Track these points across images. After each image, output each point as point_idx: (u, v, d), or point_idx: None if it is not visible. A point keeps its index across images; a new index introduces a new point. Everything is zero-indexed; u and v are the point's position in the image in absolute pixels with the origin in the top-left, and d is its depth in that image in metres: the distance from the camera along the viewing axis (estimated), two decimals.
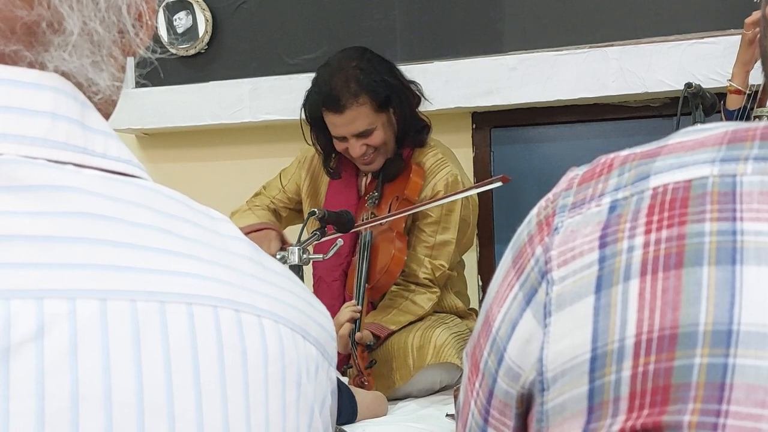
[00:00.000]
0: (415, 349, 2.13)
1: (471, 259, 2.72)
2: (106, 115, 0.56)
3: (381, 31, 2.73)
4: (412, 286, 2.26)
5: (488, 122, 2.77)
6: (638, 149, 0.61)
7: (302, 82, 2.38)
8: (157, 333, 0.46)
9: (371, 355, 2.10)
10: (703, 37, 2.41)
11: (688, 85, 2.01)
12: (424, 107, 2.34)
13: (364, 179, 2.38)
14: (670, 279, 0.53)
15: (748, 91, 2.03)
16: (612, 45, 2.50)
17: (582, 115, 2.66)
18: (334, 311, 2.14)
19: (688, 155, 0.57)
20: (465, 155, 2.73)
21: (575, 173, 0.63)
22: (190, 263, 0.48)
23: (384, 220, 2.18)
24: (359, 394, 1.96)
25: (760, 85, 2.02)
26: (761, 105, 2.00)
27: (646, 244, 0.55)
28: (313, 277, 2.40)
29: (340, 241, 1.98)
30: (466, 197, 2.32)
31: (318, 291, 2.32)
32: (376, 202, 2.29)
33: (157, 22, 0.61)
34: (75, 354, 0.44)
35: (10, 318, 0.43)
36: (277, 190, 2.48)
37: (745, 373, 0.50)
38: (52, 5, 0.50)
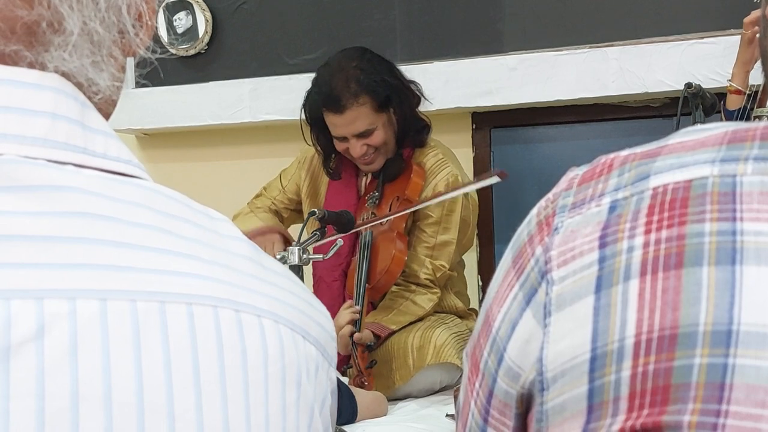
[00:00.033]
0: (415, 349, 2.13)
1: (471, 259, 2.72)
2: (107, 115, 0.56)
3: (381, 31, 2.73)
4: (413, 287, 2.26)
5: (488, 122, 2.77)
6: (638, 149, 0.61)
7: (302, 83, 2.38)
8: (157, 333, 0.46)
9: (371, 356, 2.10)
10: (703, 37, 2.41)
11: (688, 85, 2.01)
12: (424, 107, 2.34)
13: (364, 179, 2.38)
14: (670, 279, 0.53)
15: (748, 91, 2.03)
16: (612, 45, 2.50)
17: (582, 115, 2.66)
18: (334, 311, 2.14)
19: (688, 155, 0.57)
20: (465, 155, 2.73)
21: (575, 173, 0.63)
22: (190, 263, 0.48)
23: (384, 220, 2.18)
24: (359, 394, 1.96)
25: (760, 85, 2.02)
26: (761, 105, 2.00)
27: (646, 244, 0.55)
28: (313, 277, 2.40)
29: (340, 241, 1.98)
30: (466, 198, 2.32)
31: (318, 291, 2.32)
32: (377, 202, 2.29)
33: (157, 23, 0.61)
34: (75, 354, 0.44)
35: (11, 318, 0.43)
36: (277, 191, 2.48)
37: (745, 373, 0.50)
38: (52, 5, 0.50)
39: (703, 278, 0.52)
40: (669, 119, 2.51)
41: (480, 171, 2.76)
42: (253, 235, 2.20)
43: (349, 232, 2.06)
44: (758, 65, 1.92)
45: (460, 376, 2.07)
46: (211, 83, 2.92)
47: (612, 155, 0.61)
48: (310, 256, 1.94)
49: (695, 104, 2.01)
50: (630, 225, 0.56)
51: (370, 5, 2.75)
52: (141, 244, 0.47)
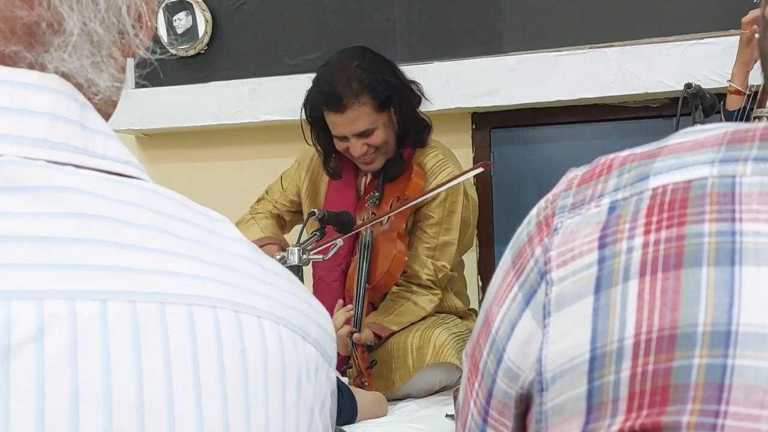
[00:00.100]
0: (414, 349, 2.13)
1: (471, 259, 2.72)
2: (107, 116, 0.56)
3: (381, 31, 2.73)
4: (414, 287, 2.26)
5: (488, 123, 2.77)
6: (638, 150, 0.61)
7: (302, 83, 2.38)
8: (157, 334, 0.46)
9: (371, 356, 2.10)
10: (703, 38, 2.41)
11: (688, 86, 2.01)
12: (424, 107, 2.34)
13: (364, 179, 2.38)
14: (669, 280, 0.53)
15: (747, 92, 2.03)
16: (612, 45, 2.50)
17: (582, 116, 2.66)
18: (333, 312, 2.14)
19: (688, 156, 0.57)
20: (465, 155, 2.73)
21: (575, 174, 0.63)
22: (189, 264, 0.49)
23: (384, 218, 2.18)
24: (359, 394, 1.96)
25: (759, 85, 2.02)
26: (761, 105, 2.00)
27: (646, 245, 0.55)
28: (313, 277, 2.40)
29: (339, 241, 1.98)
30: (467, 198, 2.32)
31: (318, 291, 2.32)
32: (377, 202, 2.28)
33: (156, 23, 0.61)
34: (75, 354, 0.44)
35: (11, 318, 0.43)
36: (278, 194, 2.49)
37: (744, 373, 0.50)
38: (52, 6, 0.50)
39: (702, 279, 0.52)
40: (669, 119, 2.51)
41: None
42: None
43: (350, 233, 2.06)
44: (758, 65, 1.92)
45: (460, 377, 2.06)
46: (211, 83, 2.92)
47: (611, 156, 0.61)
48: (310, 257, 1.94)
49: (695, 105, 2.01)
50: (629, 225, 0.56)
51: (370, 5, 2.75)
52: (140, 245, 0.47)
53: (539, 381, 0.58)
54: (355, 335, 2.06)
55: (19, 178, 0.46)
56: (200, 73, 2.96)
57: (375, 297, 2.26)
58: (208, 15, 2.92)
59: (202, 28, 2.93)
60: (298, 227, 2.09)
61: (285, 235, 2.46)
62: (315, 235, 2.01)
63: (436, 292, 2.27)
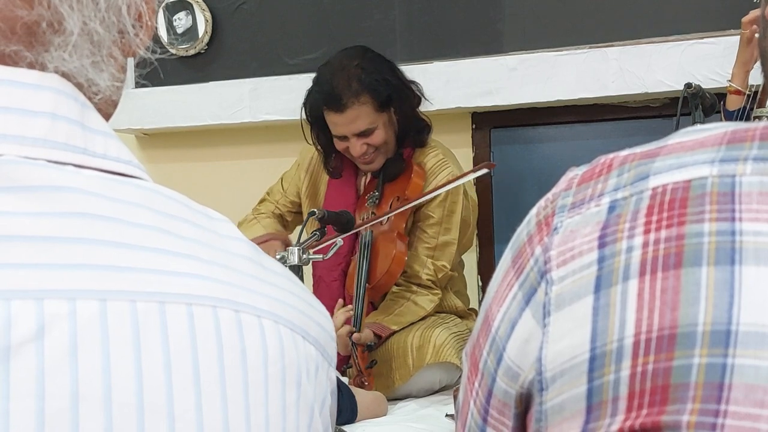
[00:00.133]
0: (414, 348, 2.13)
1: (471, 259, 2.72)
2: (107, 116, 0.56)
3: (381, 31, 2.73)
4: (414, 287, 2.26)
5: (488, 122, 2.77)
6: (638, 149, 0.61)
7: (302, 82, 2.38)
8: (157, 333, 0.46)
9: (371, 355, 2.10)
10: (703, 38, 2.41)
11: (688, 86, 2.01)
12: (424, 107, 2.35)
13: (364, 179, 2.38)
14: (669, 279, 0.53)
15: (747, 92, 2.03)
16: (612, 45, 2.50)
17: (582, 116, 2.66)
18: (333, 311, 2.14)
19: (688, 155, 0.57)
20: (465, 155, 2.73)
21: (575, 173, 0.63)
22: (189, 263, 0.49)
23: (384, 218, 2.18)
24: (359, 394, 1.96)
25: (759, 85, 2.02)
26: (761, 105, 2.00)
27: (645, 244, 0.55)
28: (313, 277, 2.40)
29: (339, 241, 1.98)
30: (466, 198, 2.32)
31: (318, 291, 2.33)
32: (377, 201, 2.29)
33: (156, 23, 0.61)
34: (75, 354, 0.44)
35: (11, 318, 0.43)
36: (279, 195, 2.49)
37: (744, 373, 0.50)
38: (52, 5, 0.50)
39: (702, 278, 0.52)
40: (669, 119, 2.51)
41: None
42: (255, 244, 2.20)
43: (349, 233, 2.06)
44: (758, 65, 1.92)
45: (460, 376, 2.07)
46: (211, 83, 2.92)
47: (611, 155, 0.61)
48: (310, 256, 1.94)
49: (695, 104, 2.01)
50: (629, 225, 0.56)
51: (370, 5, 2.75)
52: (140, 245, 0.47)
53: (539, 380, 0.58)
54: (355, 335, 2.06)
55: (19, 177, 0.46)
56: (200, 72, 2.96)
57: (375, 297, 2.26)
58: (208, 15, 2.92)
59: (202, 27, 2.93)
60: (299, 227, 2.10)
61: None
62: (315, 234, 2.01)
63: (436, 291, 2.27)
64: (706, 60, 2.38)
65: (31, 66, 0.50)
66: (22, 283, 0.43)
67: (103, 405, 0.44)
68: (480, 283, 2.77)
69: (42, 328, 0.43)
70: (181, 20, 2.94)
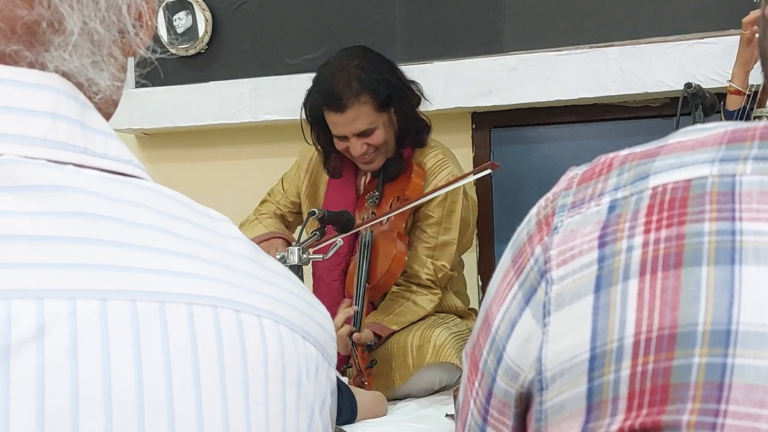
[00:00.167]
0: (414, 348, 2.13)
1: (471, 259, 2.72)
2: (107, 116, 0.56)
3: (381, 31, 2.73)
4: (414, 287, 2.26)
5: (488, 122, 2.77)
6: (638, 149, 0.61)
7: (302, 82, 2.38)
8: (157, 333, 0.46)
9: (371, 355, 2.11)
10: (703, 37, 2.41)
11: (688, 86, 2.01)
12: (424, 107, 2.35)
13: (363, 178, 2.38)
14: (669, 279, 0.53)
15: (747, 92, 2.03)
16: (612, 45, 2.50)
17: (582, 116, 2.66)
18: (333, 311, 2.14)
19: (688, 155, 0.57)
20: (465, 155, 2.73)
21: (575, 173, 0.63)
22: (189, 263, 0.49)
23: (384, 218, 2.18)
24: (359, 394, 1.96)
25: (760, 85, 2.02)
26: (761, 105, 2.00)
27: (646, 244, 0.55)
28: (313, 277, 2.40)
29: (339, 241, 1.98)
30: (466, 198, 2.32)
31: (317, 291, 2.33)
32: (377, 201, 2.29)
33: (157, 22, 0.61)
34: (75, 354, 0.44)
35: (11, 318, 0.43)
36: (280, 195, 2.49)
37: (744, 372, 0.50)
38: (52, 5, 0.50)
39: (702, 278, 0.52)
40: (669, 119, 2.51)
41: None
42: (257, 243, 2.20)
43: (349, 233, 2.06)
44: (758, 65, 1.92)
45: (460, 376, 2.07)
46: (211, 83, 2.92)
47: (611, 155, 0.61)
48: (310, 256, 1.94)
49: (695, 104, 2.01)
50: (629, 224, 0.56)
51: (370, 5, 2.75)
52: (141, 244, 0.47)
53: (539, 380, 0.58)
54: (355, 335, 2.06)
55: (19, 177, 0.46)
56: (200, 72, 2.96)
57: (375, 297, 2.26)
58: (208, 14, 2.92)
59: (202, 27, 2.93)
60: (299, 227, 2.10)
61: None
62: (315, 234, 2.01)
63: (436, 291, 2.27)
64: (706, 60, 2.38)
65: (31, 65, 0.50)
66: (22, 283, 0.43)
67: (104, 405, 0.44)
68: (480, 283, 2.77)
69: (42, 327, 0.43)
70: (181, 20, 2.94)
